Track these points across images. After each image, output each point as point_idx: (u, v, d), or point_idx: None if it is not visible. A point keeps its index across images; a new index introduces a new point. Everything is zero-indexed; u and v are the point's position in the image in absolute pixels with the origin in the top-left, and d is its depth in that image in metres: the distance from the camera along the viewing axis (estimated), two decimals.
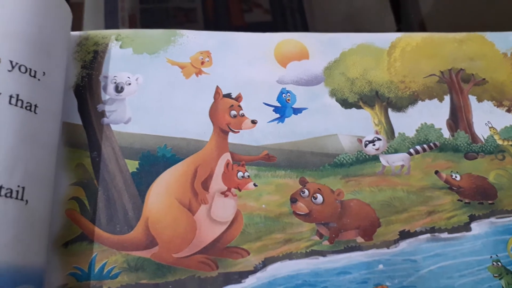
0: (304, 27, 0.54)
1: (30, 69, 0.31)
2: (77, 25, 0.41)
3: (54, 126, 0.33)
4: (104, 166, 0.36)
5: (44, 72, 0.32)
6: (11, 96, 0.30)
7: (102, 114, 0.37)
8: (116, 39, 0.40)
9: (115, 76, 0.39)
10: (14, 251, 0.27)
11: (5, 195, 0.28)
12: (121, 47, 0.40)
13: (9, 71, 0.30)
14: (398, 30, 0.53)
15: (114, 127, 0.37)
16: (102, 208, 0.34)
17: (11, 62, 0.31)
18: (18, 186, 0.28)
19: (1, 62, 0.30)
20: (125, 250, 0.33)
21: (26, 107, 0.30)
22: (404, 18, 0.56)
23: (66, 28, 0.37)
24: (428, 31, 0.49)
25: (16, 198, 0.28)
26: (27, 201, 0.29)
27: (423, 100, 0.42)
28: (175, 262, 0.33)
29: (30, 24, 0.33)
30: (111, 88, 0.38)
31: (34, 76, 0.32)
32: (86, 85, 0.38)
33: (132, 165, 0.36)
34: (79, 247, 0.33)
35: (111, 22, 0.52)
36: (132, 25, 0.52)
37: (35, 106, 0.31)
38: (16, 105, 0.30)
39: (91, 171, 0.35)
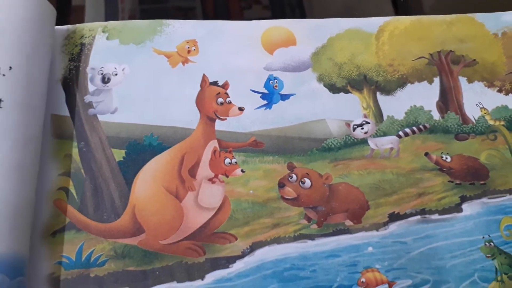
0: None
1: None
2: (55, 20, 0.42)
3: (27, 118, 0.33)
4: (91, 156, 0.36)
5: (10, 67, 0.33)
6: None
7: (89, 105, 0.38)
8: (103, 31, 0.41)
9: (102, 67, 0.39)
10: None
11: None
12: (107, 38, 0.40)
13: None
14: None
15: (101, 117, 0.37)
16: (89, 197, 0.35)
17: None
18: None
19: None
20: (112, 238, 0.34)
21: None
22: (403, 9, 0.55)
23: (45, 24, 0.37)
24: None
25: None
26: None
27: (412, 82, 0.41)
28: (162, 248, 0.33)
29: None
30: (98, 79, 0.39)
31: None
32: (74, 77, 0.39)
33: (119, 154, 0.36)
34: (67, 236, 0.33)
35: (112, 20, 0.52)
36: None
37: (0, 100, 0.31)
38: None
39: (78, 161, 0.36)
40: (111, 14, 0.53)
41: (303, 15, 0.54)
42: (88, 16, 0.52)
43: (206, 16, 0.53)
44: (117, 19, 0.52)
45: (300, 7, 0.54)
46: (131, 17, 0.53)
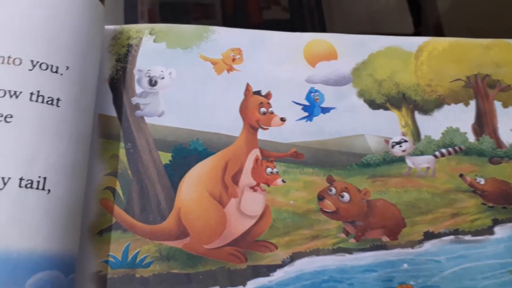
0: (322, 26, 0.54)
1: (52, 65, 0.33)
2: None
3: (80, 117, 0.34)
4: (138, 157, 0.36)
5: (67, 67, 0.33)
6: (31, 93, 0.31)
7: (136, 106, 0.38)
8: (150, 33, 0.41)
9: (149, 70, 0.40)
10: (36, 239, 0.29)
11: (25, 186, 0.29)
12: (154, 41, 0.41)
13: (29, 70, 0.32)
14: (416, 33, 0.54)
15: (148, 119, 0.38)
16: (135, 198, 0.35)
17: (32, 61, 0.32)
18: (39, 176, 0.30)
19: (22, 63, 0.32)
20: (158, 239, 0.34)
21: (47, 102, 0.32)
22: (423, 21, 0.56)
23: (96, 23, 0.37)
24: (445, 34, 0.50)
25: (37, 188, 0.30)
26: (49, 190, 0.30)
27: (449, 104, 0.42)
28: (206, 253, 0.34)
29: (51, 23, 0.34)
30: (145, 81, 0.39)
31: (56, 72, 0.33)
32: (121, 78, 0.39)
33: (165, 157, 0.37)
34: (113, 236, 0.34)
35: (131, 16, 0.53)
36: (151, 20, 0.53)
37: (58, 99, 0.32)
38: (36, 101, 0.31)
39: (125, 162, 0.36)
40: (130, 6, 0.53)
41: (321, 18, 0.54)
42: (107, 8, 0.52)
43: (225, 14, 0.54)
44: (136, 12, 0.53)
45: (318, 10, 0.55)
46: (151, 11, 0.53)
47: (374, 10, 0.55)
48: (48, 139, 0.31)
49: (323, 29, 0.54)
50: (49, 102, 0.32)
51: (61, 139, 0.32)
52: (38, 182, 0.30)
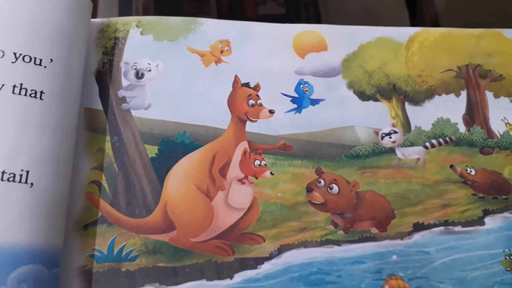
0: (318, 21, 0.54)
1: (35, 58, 0.32)
2: (91, 13, 0.42)
3: (65, 110, 0.33)
4: (124, 151, 0.36)
5: (51, 59, 0.33)
6: (14, 86, 0.31)
7: (123, 99, 0.38)
8: (137, 26, 0.41)
9: (135, 63, 0.39)
10: (18, 232, 0.28)
11: (7, 180, 0.29)
12: (141, 33, 0.41)
13: (12, 62, 0.32)
14: (412, 25, 0.53)
15: (134, 112, 0.38)
16: (121, 192, 0.35)
17: (14, 54, 0.32)
18: (22, 170, 0.30)
19: (5, 55, 0.32)
20: (144, 233, 0.34)
21: (30, 95, 0.31)
22: (419, 14, 0.56)
23: (82, 16, 0.37)
24: (443, 27, 0.49)
25: (20, 181, 0.29)
26: (32, 184, 0.30)
27: (440, 94, 0.42)
28: (193, 246, 0.34)
29: (35, 15, 0.34)
30: (131, 74, 0.39)
31: (40, 64, 0.32)
32: (107, 71, 0.39)
33: (152, 150, 0.36)
34: (99, 230, 0.34)
35: (126, 11, 0.53)
36: (146, 14, 0.52)
37: (41, 92, 0.32)
38: (19, 93, 0.31)
39: (111, 155, 0.36)
40: (125, 1, 0.53)
41: (317, 13, 0.54)
42: (102, 1, 0.51)
43: (220, 9, 0.54)
44: (131, 7, 0.52)
45: (314, 5, 0.54)
46: (145, 5, 0.53)
47: (370, 5, 0.55)
48: (31, 132, 0.31)
49: (319, 24, 0.53)
50: (32, 95, 0.31)
51: (45, 132, 0.31)
52: (21, 175, 0.29)
